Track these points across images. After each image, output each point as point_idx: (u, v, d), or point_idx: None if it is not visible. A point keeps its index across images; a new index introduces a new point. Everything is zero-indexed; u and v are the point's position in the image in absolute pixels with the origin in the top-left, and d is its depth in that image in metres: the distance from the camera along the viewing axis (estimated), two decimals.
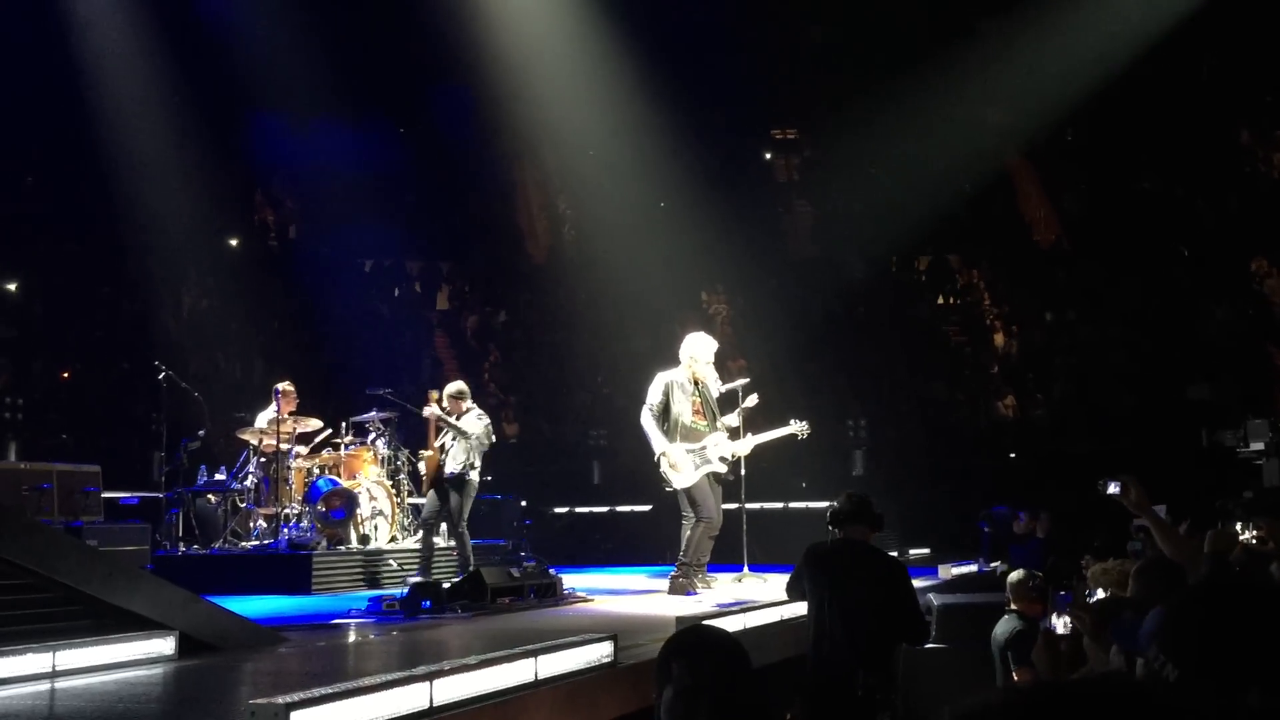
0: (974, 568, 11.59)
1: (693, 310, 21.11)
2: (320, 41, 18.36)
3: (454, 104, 21.40)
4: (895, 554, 8.85)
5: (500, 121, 20.91)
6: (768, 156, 23.95)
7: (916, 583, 6.95)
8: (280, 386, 11.54)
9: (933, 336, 19.38)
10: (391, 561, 10.49)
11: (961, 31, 19.21)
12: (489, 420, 10.64)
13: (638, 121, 19.55)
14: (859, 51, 19.87)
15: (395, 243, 22.17)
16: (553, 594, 8.53)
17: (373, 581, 10.29)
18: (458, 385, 10.83)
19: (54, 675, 5.00)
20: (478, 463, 10.29)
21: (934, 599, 8.78)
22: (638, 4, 19.19)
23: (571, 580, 9.62)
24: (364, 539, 11.06)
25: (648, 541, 14.20)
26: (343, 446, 11.67)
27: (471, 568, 8.84)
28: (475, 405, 10.72)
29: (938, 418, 17.30)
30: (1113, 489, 4.85)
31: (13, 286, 17.74)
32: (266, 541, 10.84)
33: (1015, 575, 6.99)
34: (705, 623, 2.96)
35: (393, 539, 11.37)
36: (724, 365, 18.37)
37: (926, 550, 13.21)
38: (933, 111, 19.39)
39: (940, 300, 20.84)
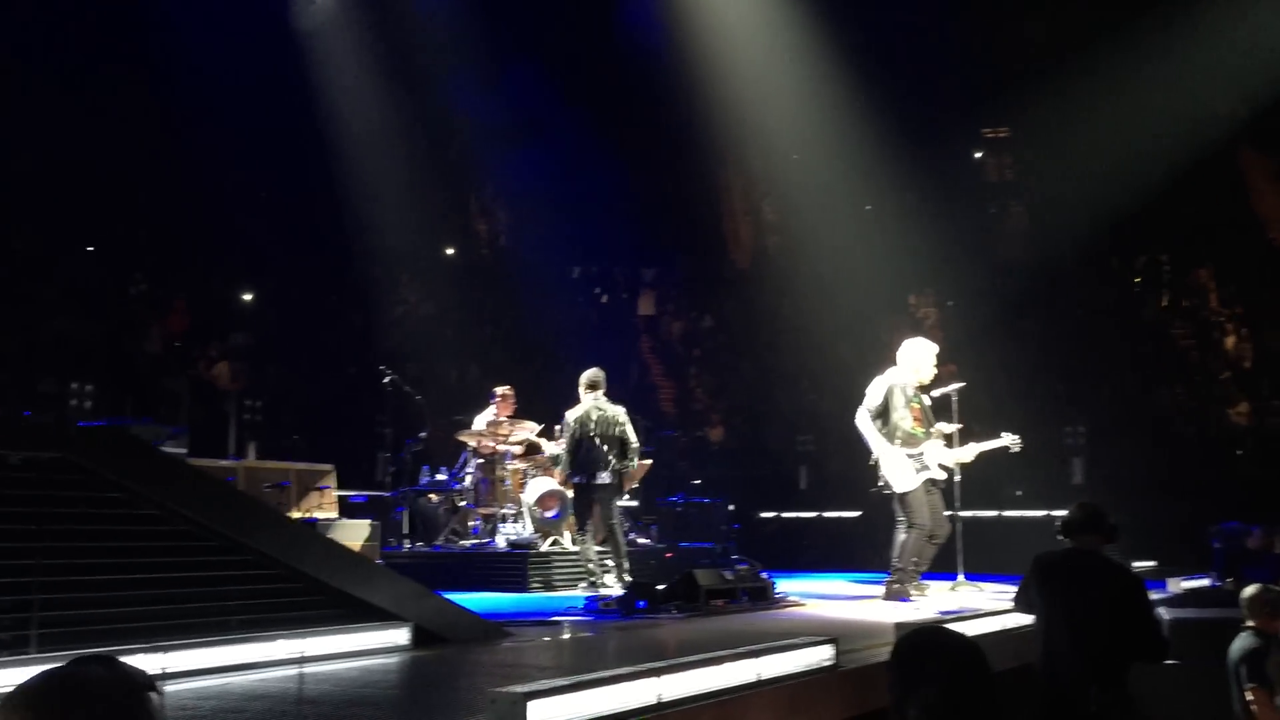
0: (1206, 582, 11.02)
1: (900, 314, 20.77)
2: (531, 54, 18.91)
3: (660, 111, 21.63)
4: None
5: (705, 127, 21.01)
6: (978, 156, 23.35)
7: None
8: (498, 390, 11.92)
9: (1157, 340, 18.52)
10: (607, 561, 10.66)
11: (1181, 15, 18.22)
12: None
13: (843, 123, 19.36)
14: (1072, 43, 19.13)
15: (601, 250, 22.60)
16: (765, 597, 8.54)
17: (586, 581, 10.50)
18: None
19: (302, 661, 5.31)
20: None
21: (1164, 613, 8.40)
22: (842, 4, 19.01)
23: (781, 585, 9.60)
24: (577, 539, 11.29)
25: (856, 547, 14.05)
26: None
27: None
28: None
29: (1164, 425, 16.52)
30: None
31: (248, 296, 18.82)
32: (485, 540, 11.21)
33: (1250, 591, 6.68)
34: (940, 625, 2.90)
35: (605, 539, 11.56)
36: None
37: (1153, 563, 12.63)
38: (1154, 104, 18.51)
39: (1164, 302, 19.89)
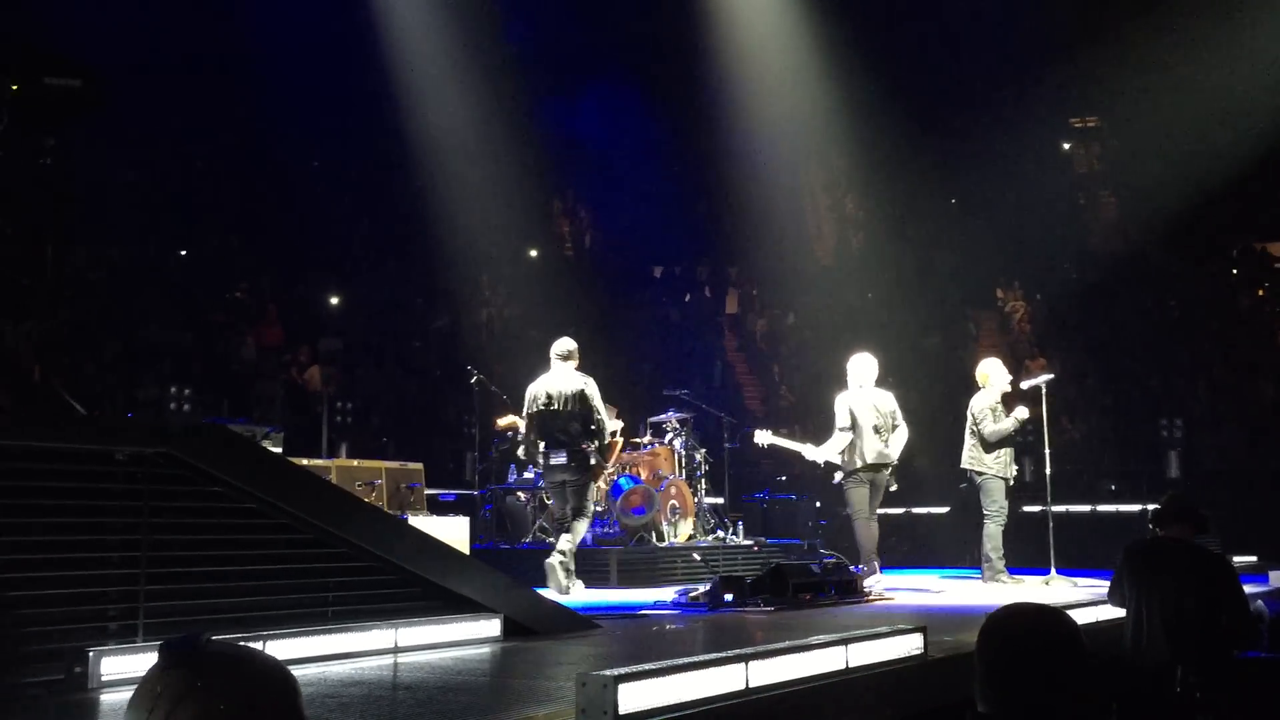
0: None
1: (988, 308, 20.53)
2: (614, 57, 19.03)
3: (743, 109, 21.62)
4: None
5: (789, 122, 20.95)
6: (1066, 146, 22.97)
7: (1245, 590, 6.57)
8: None
9: (1254, 331, 18.05)
10: (695, 555, 10.71)
11: None
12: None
13: (929, 116, 19.20)
14: (1159, 28, 18.72)
15: (685, 249, 22.64)
16: (853, 591, 8.50)
17: (674, 576, 10.55)
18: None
19: (396, 650, 5.42)
20: None
21: (1265, 606, 8.20)
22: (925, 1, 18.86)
23: (869, 581, 9.54)
24: (662, 535, 11.36)
25: (945, 543, 13.92)
26: (642, 446, 12.03)
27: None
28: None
29: (1262, 418, 16.10)
30: None
31: (335, 300, 19.16)
32: None
33: None
34: (1031, 604, 2.88)
35: (691, 536, 11.62)
36: (1021, 363, 17.82)
37: (1254, 558, 12.33)
38: (1245, 87, 18.03)
39: (1261, 291, 19.39)
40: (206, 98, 17.05)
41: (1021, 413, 10.05)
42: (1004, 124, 20.09)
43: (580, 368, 9.51)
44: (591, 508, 9.39)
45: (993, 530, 9.94)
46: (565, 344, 9.43)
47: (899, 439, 9.98)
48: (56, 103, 5.89)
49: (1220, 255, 19.84)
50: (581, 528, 9.24)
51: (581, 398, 9.14)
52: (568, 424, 9.11)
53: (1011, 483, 10.27)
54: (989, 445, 10.10)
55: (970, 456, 10.18)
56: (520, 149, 20.01)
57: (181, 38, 16.53)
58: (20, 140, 5.92)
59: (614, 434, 12.10)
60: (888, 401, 10.01)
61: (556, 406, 9.14)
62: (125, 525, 4.99)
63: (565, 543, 9.04)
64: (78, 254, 14.78)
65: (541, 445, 9.19)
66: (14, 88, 5.59)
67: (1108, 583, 6.26)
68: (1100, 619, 6.60)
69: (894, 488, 10.17)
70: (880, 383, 10.60)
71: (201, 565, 5.22)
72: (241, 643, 1.83)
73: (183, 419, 11.48)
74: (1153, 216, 19.75)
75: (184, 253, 17.53)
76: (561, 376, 9.27)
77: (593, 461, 9.14)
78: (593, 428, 9.16)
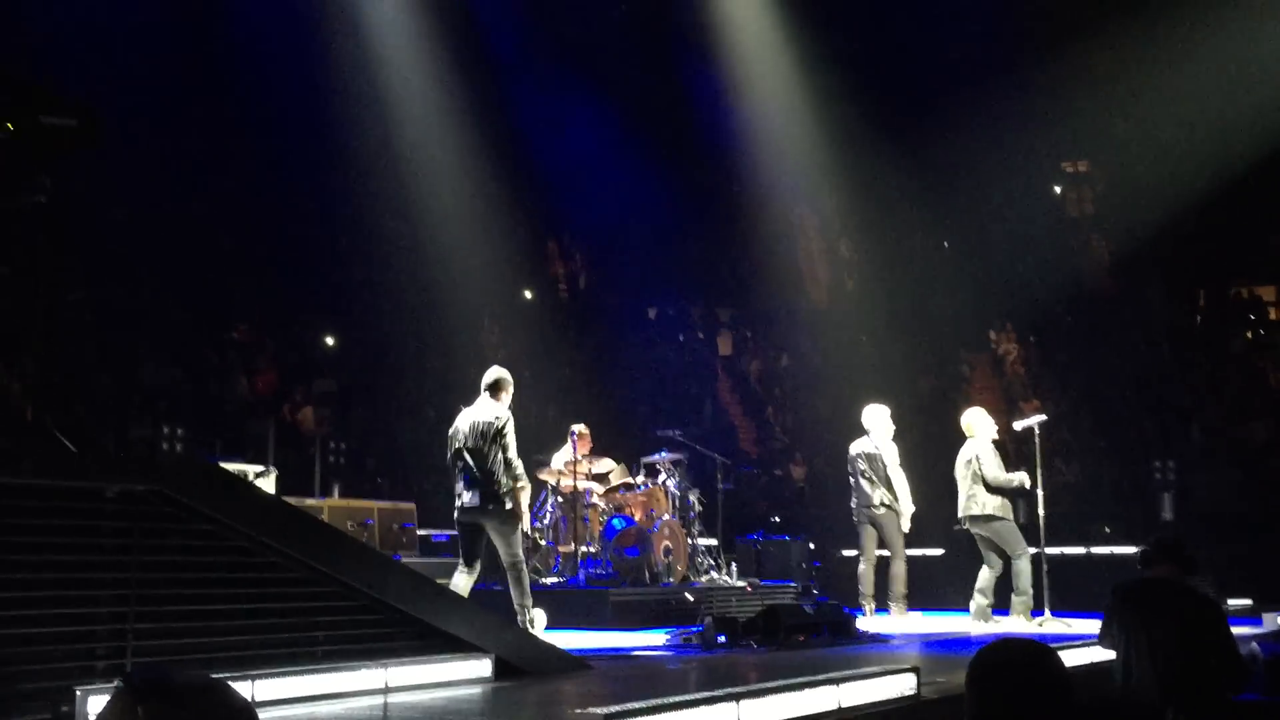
0: None
1: (981, 350, 20.57)
2: (605, 98, 19.17)
3: (735, 151, 21.77)
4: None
5: (780, 165, 21.08)
6: (1058, 190, 23.12)
7: (1239, 631, 6.56)
8: (576, 428, 11.98)
9: (1248, 374, 18.09)
10: (688, 596, 10.66)
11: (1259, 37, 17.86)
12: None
13: (920, 159, 19.33)
14: (1148, 72, 18.89)
15: (678, 290, 22.71)
16: (847, 632, 8.46)
17: (667, 617, 10.49)
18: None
19: (386, 690, 5.39)
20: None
21: (1259, 648, 8.18)
22: (918, 39, 19.03)
23: (863, 623, 9.52)
24: (656, 577, 11.31)
25: (939, 586, 13.85)
26: (635, 486, 12.00)
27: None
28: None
29: (1257, 461, 16.10)
30: None
31: (330, 341, 19.17)
32: (566, 577, 11.25)
33: None
34: (1016, 639, 2.87)
35: (684, 577, 11.57)
36: (1016, 406, 17.84)
37: (1248, 601, 12.29)
38: (1235, 132, 18.17)
39: (1250, 335, 19.45)
40: (203, 138, 17.13)
41: (1024, 479, 10.05)
42: (996, 167, 20.23)
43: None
44: (521, 556, 8.56)
45: (1024, 567, 9.96)
46: (492, 374, 8.87)
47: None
48: (53, 141, 5.92)
49: (1211, 298, 19.92)
50: (525, 581, 8.47)
51: (497, 434, 8.47)
52: (484, 462, 8.40)
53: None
54: (990, 488, 10.07)
55: (977, 502, 10.13)
56: (515, 191, 20.12)
57: (178, 78, 16.62)
58: (16, 179, 5.94)
59: (607, 474, 12.08)
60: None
61: (471, 444, 8.49)
62: (115, 563, 4.97)
63: (517, 599, 8.30)
64: (72, 293, 14.80)
65: (459, 484, 8.57)
66: (10, 127, 5.62)
67: (1100, 624, 6.26)
68: (1093, 660, 6.57)
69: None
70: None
71: (191, 604, 5.20)
72: (228, 680, 1.84)
73: (175, 458, 11.44)
74: (1144, 259, 19.86)
75: (178, 291, 17.54)
76: (484, 409, 8.65)
77: (508, 505, 8.37)
78: (504, 468, 8.41)
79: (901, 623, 10.17)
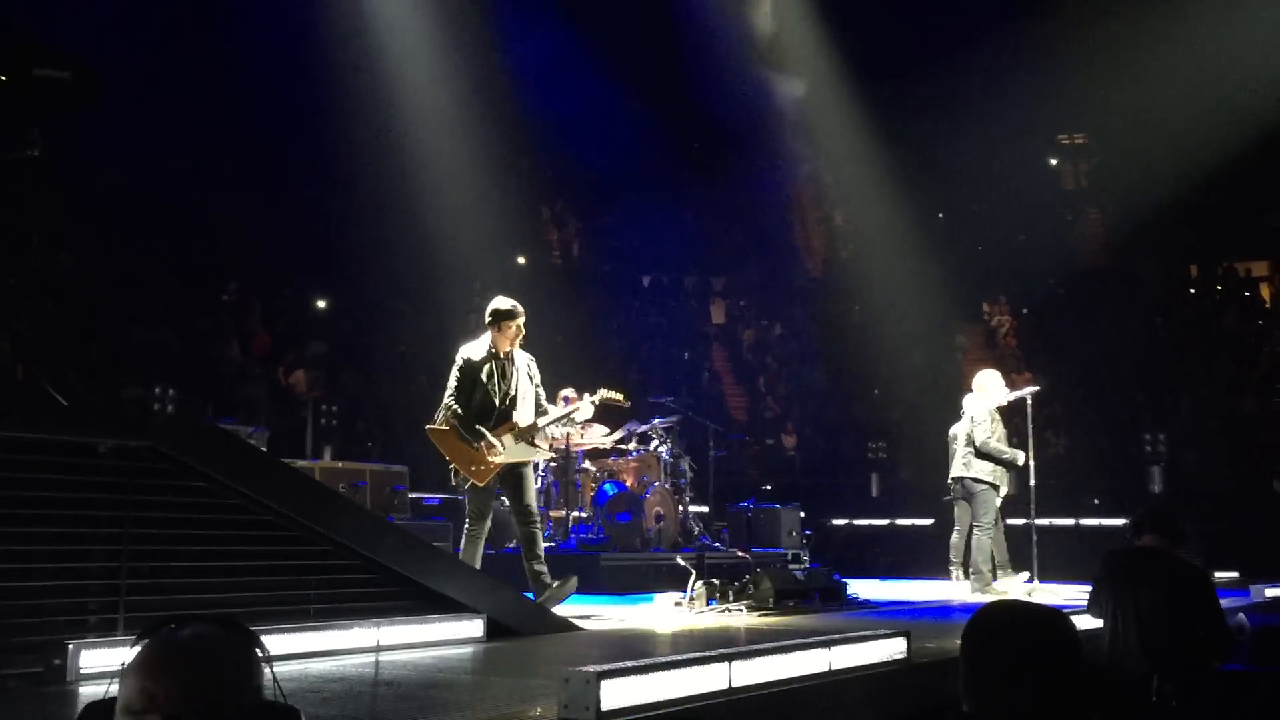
0: None
1: (974, 322, 20.59)
2: (605, 67, 19.06)
3: (732, 121, 21.69)
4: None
5: (777, 135, 21.01)
6: (1054, 162, 23.09)
7: (1226, 603, 6.59)
8: (566, 393, 11.98)
9: (1239, 348, 18.14)
10: (679, 561, 10.69)
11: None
12: None
13: (917, 130, 19.27)
14: (1148, 46, 18.81)
15: (673, 259, 22.66)
16: (837, 598, 8.50)
17: (658, 583, 10.52)
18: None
19: (378, 649, 5.40)
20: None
21: (1246, 620, 8.23)
22: (915, 8, 18.94)
23: (853, 588, 9.56)
24: (647, 542, 11.35)
25: (929, 555, 13.92)
26: (628, 453, 12.02)
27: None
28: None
29: (1246, 434, 16.18)
30: None
31: (322, 304, 19.11)
32: (557, 542, 11.27)
33: None
34: (1010, 600, 2.84)
35: (676, 543, 11.60)
36: (1009, 378, 17.84)
37: (1235, 574, 12.38)
38: (1232, 107, 18.13)
39: (1247, 308, 19.49)
40: (197, 99, 17.00)
41: (1019, 456, 10.02)
42: (992, 140, 20.19)
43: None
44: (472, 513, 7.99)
45: (984, 542, 9.93)
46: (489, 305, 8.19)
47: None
48: (45, 95, 5.86)
49: (1204, 273, 19.95)
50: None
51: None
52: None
53: (1003, 493, 10.24)
54: (981, 453, 10.07)
55: (964, 464, 10.12)
56: (510, 156, 20.02)
57: (173, 37, 16.50)
58: (7, 132, 5.89)
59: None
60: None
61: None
62: (108, 518, 4.97)
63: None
64: (64, 254, 14.72)
65: None
66: (2, 78, 5.57)
67: (1088, 592, 6.28)
68: (1081, 629, 6.60)
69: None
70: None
71: (183, 560, 5.20)
72: None
73: (168, 415, 11.41)
74: (1138, 233, 19.87)
75: (170, 252, 17.46)
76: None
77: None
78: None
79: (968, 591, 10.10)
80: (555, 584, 7.58)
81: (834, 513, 16.02)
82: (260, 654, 1.91)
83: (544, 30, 18.80)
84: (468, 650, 5.67)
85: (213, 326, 16.57)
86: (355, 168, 19.27)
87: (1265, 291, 19.94)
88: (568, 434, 11.50)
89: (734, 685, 4.20)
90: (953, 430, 10.55)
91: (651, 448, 12.18)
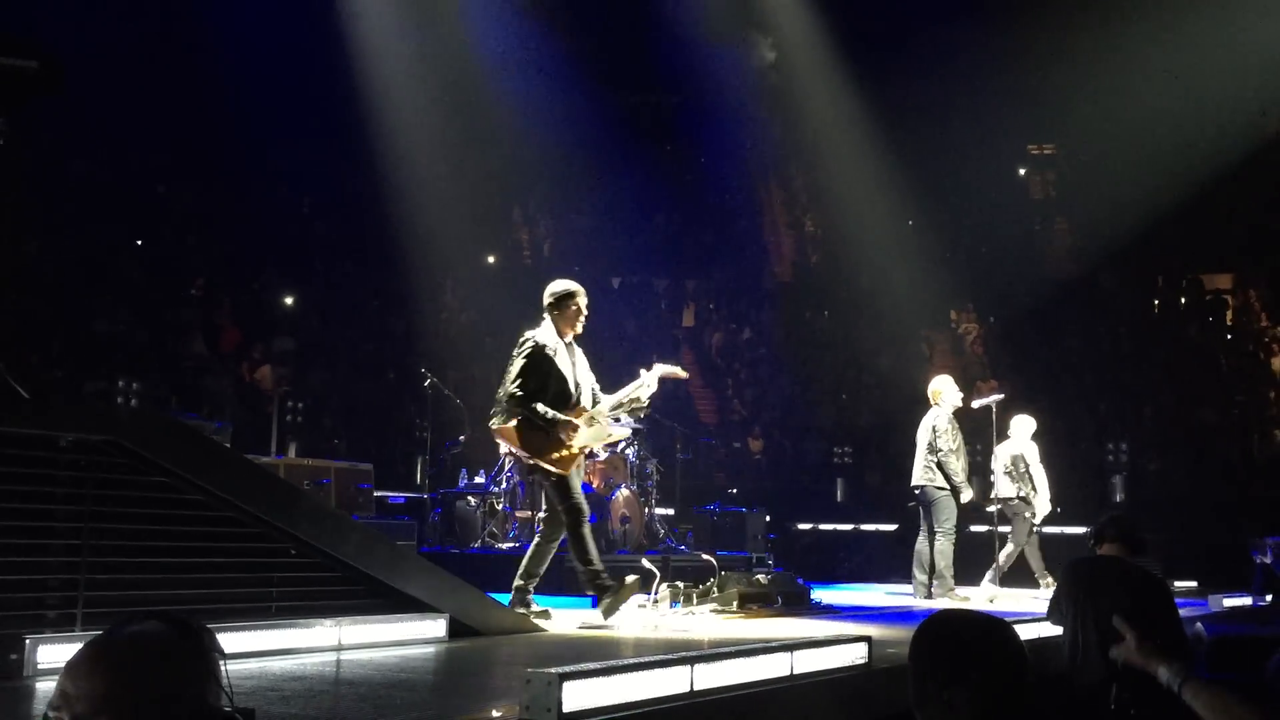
0: (1248, 600, 10.91)
1: (942, 329, 20.72)
2: (576, 66, 19.06)
3: (702, 125, 21.74)
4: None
5: (748, 140, 21.08)
6: (1022, 172, 23.27)
7: (1185, 613, 6.67)
8: None
9: (1202, 360, 18.35)
10: (644, 563, 10.68)
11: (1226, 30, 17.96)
12: None
13: (886, 138, 19.37)
14: (1116, 58, 18.99)
15: (643, 261, 22.67)
16: (800, 603, 8.53)
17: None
18: None
19: (340, 648, 5.37)
20: None
21: (1204, 629, 8.32)
22: (887, 24, 19.04)
23: (817, 594, 9.59)
24: (612, 544, 11.34)
25: (893, 560, 14.00)
26: (594, 454, 11.99)
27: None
28: None
29: (1207, 445, 16.36)
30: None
31: (290, 300, 19.02)
32: (521, 543, 11.25)
33: None
34: (964, 610, 2.86)
35: (640, 545, 11.61)
36: (974, 385, 17.99)
37: (1194, 583, 12.51)
38: (1198, 119, 18.33)
39: (1210, 320, 19.72)
40: (165, 90, 16.88)
41: (968, 495, 10.28)
42: (961, 148, 20.34)
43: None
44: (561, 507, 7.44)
45: (945, 547, 10.05)
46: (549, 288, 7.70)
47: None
48: (11, 85, 5.80)
49: (1169, 284, 20.16)
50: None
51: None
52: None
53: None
54: (938, 462, 10.22)
55: (925, 473, 10.24)
56: (481, 155, 19.98)
57: (140, 28, 16.37)
58: None
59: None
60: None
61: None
62: (68, 513, 4.91)
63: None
64: (29, 244, 14.58)
65: None
66: None
67: (1049, 600, 6.35)
68: (1042, 635, 6.66)
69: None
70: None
71: (144, 555, 5.15)
72: None
73: (131, 409, 11.32)
74: (1105, 244, 20.06)
75: (137, 245, 17.32)
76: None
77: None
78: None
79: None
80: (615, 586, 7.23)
81: (799, 517, 16.08)
82: (215, 656, 1.86)
83: (515, 27, 18.77)
84: (430, 650, 5.65)
85: (177, 320, 16.45)
86: (326, 164, 19.19)
87: (1230, 302, 20.15)
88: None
89: (696, 688, 4.21)
90: (920, 429, 10.65)
91: (618, 449, 12.17)
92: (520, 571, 7.41)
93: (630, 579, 7.27)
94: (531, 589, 7.40)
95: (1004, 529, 11.35)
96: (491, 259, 22.13)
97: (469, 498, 12.31)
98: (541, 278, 22.95)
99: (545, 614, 7.20)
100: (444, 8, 18.32)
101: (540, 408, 7.18)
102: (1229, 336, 19.25)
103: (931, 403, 10.55)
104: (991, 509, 11.08)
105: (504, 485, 11.81)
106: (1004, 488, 11.25)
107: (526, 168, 21.41)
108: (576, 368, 7.54)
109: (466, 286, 20.70)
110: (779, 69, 19.46)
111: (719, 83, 19.97)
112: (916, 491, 10.43)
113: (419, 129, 18.60)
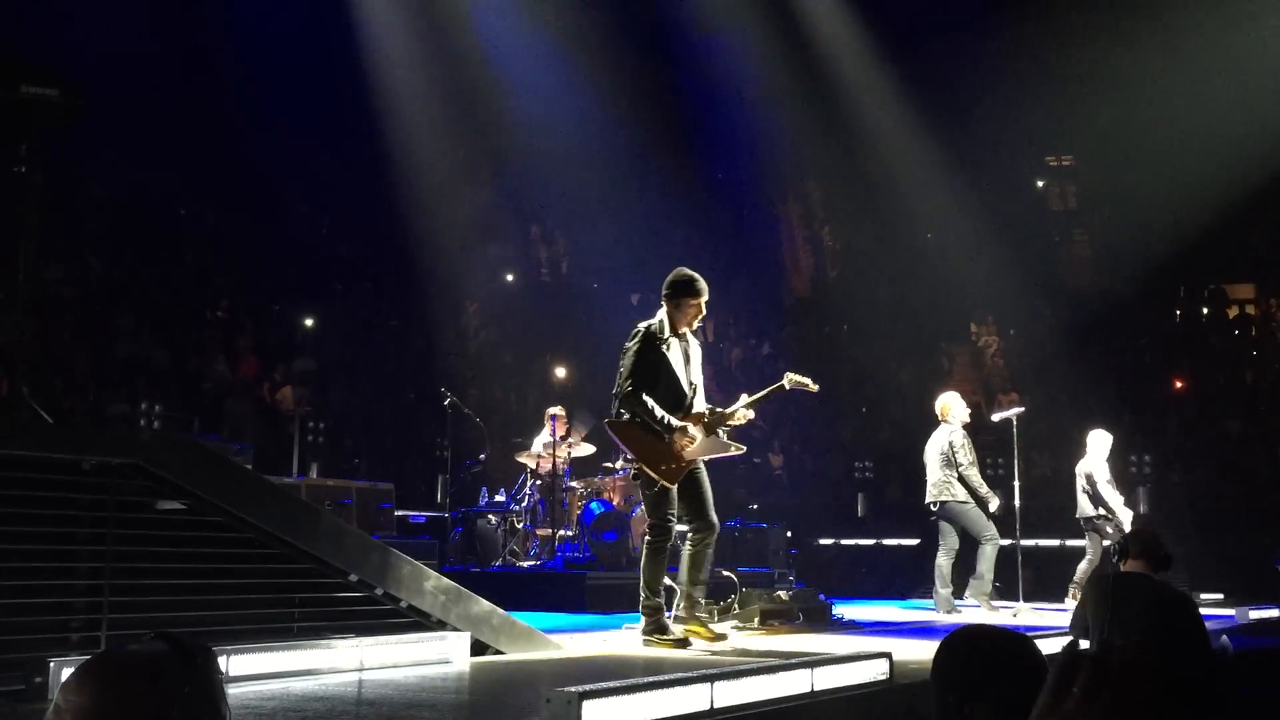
0: (1276, 613, 10.81)
1: (962, 342, 20.66)
2: (592, 84, 19.13)
3: (719, 140, 21.76)
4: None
5: (766, 154, 21.09)
6: (1041, 184, 23.20)
7: (1211, 626, 6.61)
8: (553, 411, 12.00)
9: (1226, 370, 18.23)
10: (666, 581, 10.67)
11: (1247, 35, 17.86)
12: None
13: (905, 152, 19.36)
14: (1135, 68, 18.92)
15: (661, 278, 22.63)
16: (822, 619, 8.50)
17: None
18: None
19: (361, 668, 5.38)
20: None
21: (1229, 642, 8.25)
22: (903, 33, 19.04)
23: (839, 609, 9.56)
24: (633, 562, 11.33)
25: (915, 575, 13.94)
26: (615, 471, 12.01)
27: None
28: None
29: (1231, 456, 16.24)
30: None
31: (310, 321, 19.12)
32: (543, 561, 11.27)
33: None
34: (982, 623, 2.86)
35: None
36: (994, 398, 17.92)
37: (1219, 595, 12.41)
38: (1218, 130, 18.24)
39: (1235, 332, 19.59)
40: (185, 113, 17.03)
41: (995, 504, 10.32)
42: (980, 160, 20.29)
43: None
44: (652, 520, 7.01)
45: (990, 552, 10.11)
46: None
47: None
48: (33, 112, 5.87)
49: (1191, 295, 20.04)
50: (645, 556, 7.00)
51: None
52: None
53: (993, 506, 10.53)
54: (962, 477, 10.23)
55: (945, 488, 10.22)
56: (499, 174, 20.07)
57: (163, 54, 16.51)
58: None
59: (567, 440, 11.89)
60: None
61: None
62: (90, 535, 4.95)
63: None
64: (51, 267, 14.70)
65: None
66: None
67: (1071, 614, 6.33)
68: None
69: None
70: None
71: (166, 577, 5.18)
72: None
73: (153, 432, 11.39)
74: (1125, 255, 19.96)
75: (159, 269, 17.45)
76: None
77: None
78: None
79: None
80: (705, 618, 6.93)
81: (820, 532, 16.04)
82: (216, 680, 1.83)
83: (532, 46, 18.86)
84: (451, 669, 5.65)
85: (199, 342, 16.55)
86: (346, 185, 19.31)
87: (1253, 312, 20.03)
88: (554, 451, 11.51)
89: (716, 706, 4.21)
90: (929, 446, 10.62)
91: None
92: (683, 581, 7.00)
93: (681, 634, 6.79)
94: (701, 599, 7.01)
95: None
96: (510, 277, 22.19)
97: (490, 516, 12.34)
98: (560, 295, 23.11)
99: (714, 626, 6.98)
100: (462, 30, 18.41)
101: (657, 410, 6.61)
102: (1254, 351, 19.12)
103: (940, 419, 10.54)
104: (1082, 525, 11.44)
105: (524, 503, 11.84)
106: (1084, 505, 11.39)
107: (544, 186, 21.49)
108: (690, 366, 6.95)
109: (485, 305, 20.77)
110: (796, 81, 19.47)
111: (736, 98, 19.98)
112: (935, 508, 10.41)
113: (437, 149, 18.71)
